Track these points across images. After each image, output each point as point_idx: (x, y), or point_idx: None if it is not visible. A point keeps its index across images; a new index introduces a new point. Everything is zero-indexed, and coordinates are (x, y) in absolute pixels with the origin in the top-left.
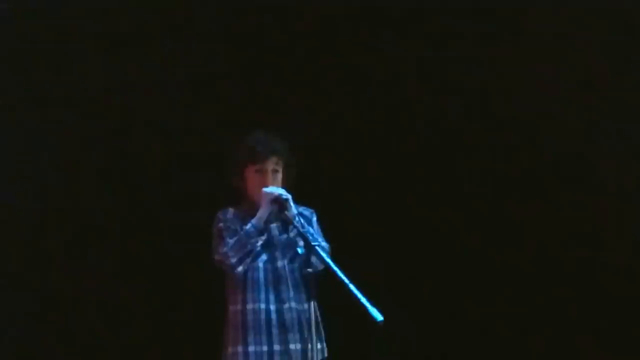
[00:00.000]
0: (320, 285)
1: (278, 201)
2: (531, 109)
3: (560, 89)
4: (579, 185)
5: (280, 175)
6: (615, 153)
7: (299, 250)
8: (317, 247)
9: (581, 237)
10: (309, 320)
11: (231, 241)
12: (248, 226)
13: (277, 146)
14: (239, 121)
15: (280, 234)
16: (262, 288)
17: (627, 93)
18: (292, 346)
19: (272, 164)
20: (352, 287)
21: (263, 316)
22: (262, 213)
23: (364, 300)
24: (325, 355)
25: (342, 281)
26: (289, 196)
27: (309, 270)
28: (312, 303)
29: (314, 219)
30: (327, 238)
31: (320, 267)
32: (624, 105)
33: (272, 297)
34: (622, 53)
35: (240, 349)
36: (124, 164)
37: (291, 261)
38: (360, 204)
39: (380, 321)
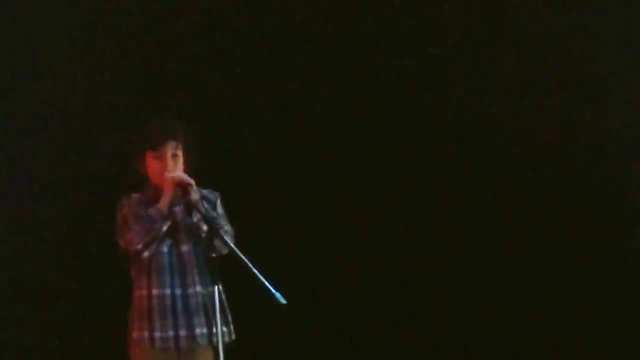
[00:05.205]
0: (225, 269)
1: (181, 186)
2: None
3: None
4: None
5: (180, 160)
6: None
7: (203, 235)
8: (220, 231)
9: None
10: (214, 304)
11: (136, 227)
12: (153, 211)
13: (174, 131)
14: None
15: (184, 218)
16: (167, 273)
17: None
18: (197, 330)
19: (170, 149)
20: (255, 270)
21: (169, 301)
22: (166, 198)
23: (267, 283)
24: (233, 338)
25: (246, 264)
26: (192, 181)
27: (213, 254)
28: (216, 287)
29: (218, 202)
30: (231, 221)
31: (224, 250)
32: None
33: (177, 282)
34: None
35: (146, 333)
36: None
37: (195, 245)
38: (263, 186)
39: (284, 304)
